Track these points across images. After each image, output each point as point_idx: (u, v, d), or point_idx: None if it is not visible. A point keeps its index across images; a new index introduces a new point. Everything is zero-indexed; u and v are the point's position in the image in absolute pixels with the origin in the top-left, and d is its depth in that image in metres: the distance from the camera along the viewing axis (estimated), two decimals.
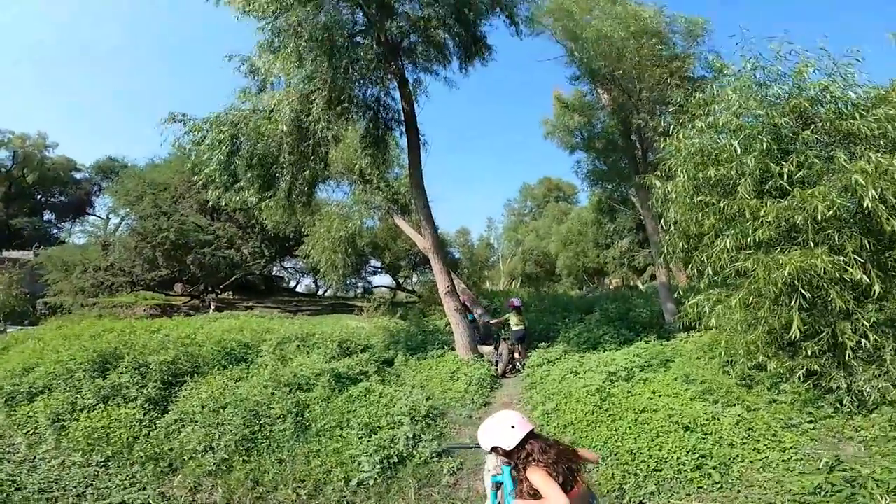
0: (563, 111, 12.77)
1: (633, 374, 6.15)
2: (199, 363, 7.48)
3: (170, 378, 6.71)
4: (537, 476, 2.41)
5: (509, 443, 2.55)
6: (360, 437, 5.17)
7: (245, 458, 5.04)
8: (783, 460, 4.07)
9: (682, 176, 5.51)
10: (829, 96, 4.93)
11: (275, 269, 29.66)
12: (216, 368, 7.33)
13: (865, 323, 4.25)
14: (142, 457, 5.06)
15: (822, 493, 3.20)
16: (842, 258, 4.22)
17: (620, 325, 9.55)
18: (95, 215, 34.29)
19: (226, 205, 9.53)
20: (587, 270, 26.54)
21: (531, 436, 2.60)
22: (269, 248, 22.51)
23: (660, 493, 3.97)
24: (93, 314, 16.63)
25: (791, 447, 4.19)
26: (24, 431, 5.70)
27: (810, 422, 4.50)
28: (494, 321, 9.82)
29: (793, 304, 4.39)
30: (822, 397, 4.71)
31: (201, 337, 9.08)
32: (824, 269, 4.15)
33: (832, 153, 4.68)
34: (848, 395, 4.51)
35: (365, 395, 6.35)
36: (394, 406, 5.91)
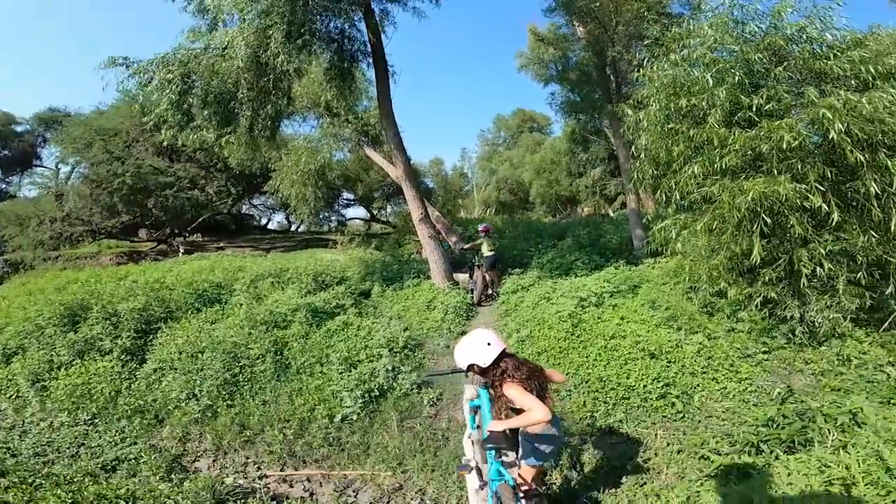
0: (538, 44, 12.52)
1: (602, 300, 6.40)
2: (172, 308, 7.38)
3: (143, 326, 6.65)
4: (514, 390, 2.58)
5: (485, 359, 2.70)
6: (341, 373, 5.30)
7: (229, 402, 5.15)
8: (739, 391, 4.32)
9: (654, 105, 5.56)
10: (805, 36, 4.94)
11: (244, 207, 28.98)
12: (189, 312, 7.26)
13: (822, 251, 4.41)
14: (127, 410, 5.15)
15: (775, 426, 3.36)
16: (804, 186, 4.33)
17: (591, 251, 9.77)
18: (43, 166, 32.10)
19: (183, 145, 9.07)
20: (560, 199, 27.01)
21: (504, 354, 2.78)
22: (235, 187, 21.93)
23: (628, 421, 4.23)
24: (57, 267, 16.13)
25: (747, 378, 4.45)
26: (8, 396, 5.68)
27: (765, 352, 4.77)
28: (467, 246, 9.90)
29: (754, 229, 4.52)
30: (776, 327, 4.96)
31: (171, 280, 8.88)
32: (786, 195, 4.24)
33: (802, 90, 4.72)
34: (801, 326, 4.76)
35: (343, 329, 6.44)
36: (372, 339, 6.03)
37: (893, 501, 1.82)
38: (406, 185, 9.09)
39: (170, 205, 19.02)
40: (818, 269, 4.41)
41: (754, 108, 4.71)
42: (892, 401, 3.62)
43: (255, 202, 29.00)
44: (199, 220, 21.57)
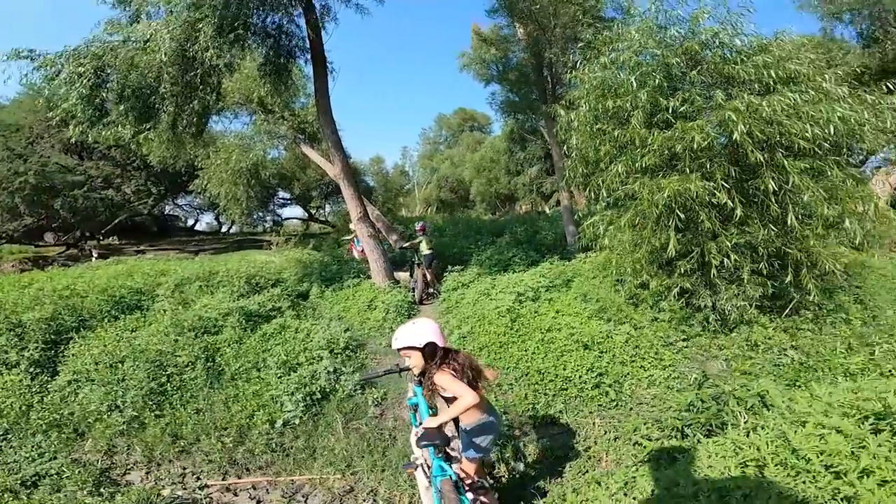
0: (481, 45, 12.81)
1: (539, 294, 6.65)
2: (85, 316, 6.78)
3: (52, 336, 6.06)
4: (445, 378, 2.62)
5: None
6: (280, 377, 5.13)
7: (157, 412, 4.84)
8: (664, 378, 4.53)
9: (584, 106, 5.83)
10: (717, 41, 5.28)
11: (168, 207, 27.34)
12: (106, 320, 6.71)
13: (728, 244, 4.78)
14: (42, 425, 4.70)
15: (695, 410, 3.53)
16: (711, 184, 4.67)
17: (528, 248, 10.13)
18: None
19: (96, 142, 8.22)
20: (499, 196, 27.64)
21: (446, 349, 2.80)
22: (157, 186, 20.68)
23: (567, 411, 4.39)
24: None
25: (670, 365, 4.69)
26: None
27: (684, 340, 5.04)
28: (407, 244, 9.91)
29: (670, 224, 4.84)
30: (692, 316, 5.31)
31: (83, 287, 8.10)
32: (697, 192, 4.55)
33: (712, 93, 5.09)
34: (713, 314, 5.14)
35: (280, 332, 6.22)
36: (311, 341, 5.88)
37: (803, 481, 1.92)
38: (344, 184, 8.89)
39: (80, 206, 17.61)
40: (725, 260, 4.79)
41: (671, 110, 5.04)
42: (797, 382, 3.97)
43: (181, 202, 27.55)
44: (115, 221, 20.07)
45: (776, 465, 2.08)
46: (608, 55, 5.73)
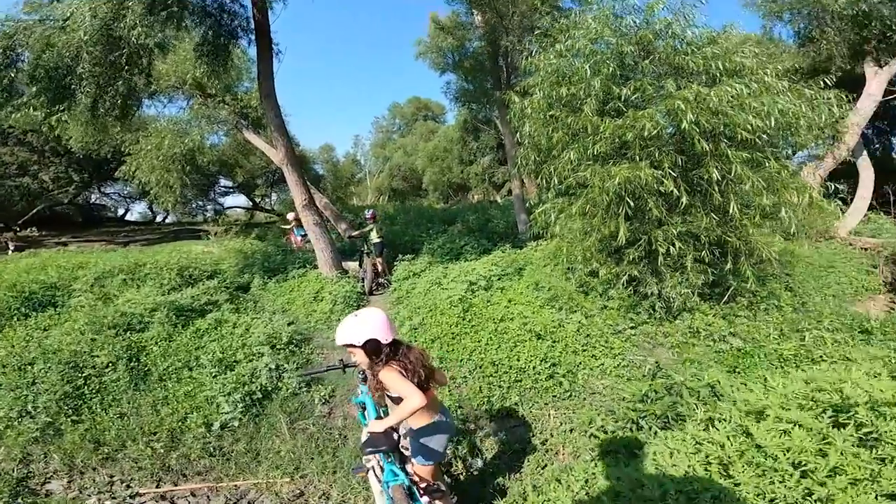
0: (438, 32, 12.55)
1: (491, 283, 6.56)
2: None
3: None
4: (391, 376, 2.36)
5: (387, 336, 2.44)
6: (215, 376, 4.73)
7: (74, 417, 4.33)
8: (615, 366, 4.54)
9: (538, 94, 5.75)
10: (670, 32, 5.34)
11: (94, 196, 25.20)
12: (14, 319, 5.97)
13: (674, 232, 4.88)
14: None
15: (648, 401, 3.48)
16: (660, 172, 4.73)
17: (480, 236, 10.06)
18: None
19: (11, 126, 7.30)
20: (452, 186, 27.52)
21: (394, 343, 2.53)
22: (79, 173, 19.12)
23: (522, 403, 4.31)
24: None
25: (619, 353, 4.70)
26: None
27: (632, 327, 5.07)
28: (356, 233, 9.56)
29: (620, 212, 4.86)
30: (639, 303, 5.39)
31: None
32: (647, 180, 4.60)
33: (663, 83, 5.16)
34: (659, 301, 5.24)
35: (216, 328, 5.75)
36: (251, 336, 5.47)
37: (771, 481, 1.85)
38: (288, 170, 8.43)
39: None
40: (671, 248, 4.88)
41: (623, 99, 5.06)
42: (737, 369, 4.07)
43: (109, 191, 25.43)
44: (34, 211, 18.47)
45: (743, 464, 2.00)
46: (564, 42, 5.67)
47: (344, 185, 29.20)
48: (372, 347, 2.45)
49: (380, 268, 8.68)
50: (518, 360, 4.74)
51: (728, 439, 2.20)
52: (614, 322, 5.23)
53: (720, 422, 2.46)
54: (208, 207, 22.45)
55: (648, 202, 4.85)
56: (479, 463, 3.71)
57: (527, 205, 10.10)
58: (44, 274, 7.69)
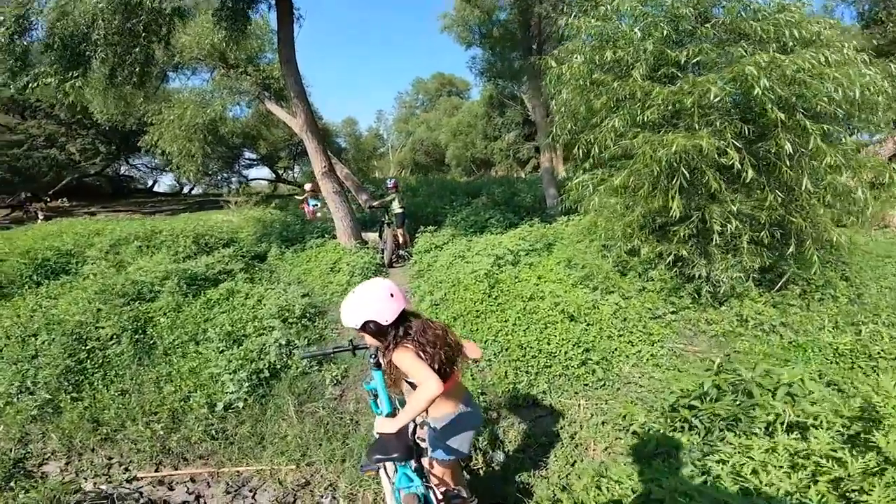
0: (464, 5, 12.07)
1: (519, 258, 6.12)
2: (2, 282, 5.88)
3: None
4: (407, 358, 1.96)
5: (387, 315, 2.01)
6: (222, 351, 4.42)
7: (74, 394, 4.12)
8: (652, 354, 4.17)
9: (578, 59, 5.31)
10: None
11: (123, 168, 26.03)
12: (26, 287, 5.82)
13: (733, 208, 4.39)
14: None
15: (708, 399, 2.94)
16: (723, 142, 4.25)
17: (506, 209, 9.58)
18: None
19: (38, 100, 7.76)
20: (475, 161, 27.36)
21: (406, 313, 2.12)
22: (106, 145, 19.87)
23: (551, 392, 3.96)
24: None
25: (658, 340, 4.32)
26: None
27: (672, 312, 4.68)
28: (376, 203, 9.19)
29: (673, 184, 4.39)
30: (682, 287, 4.95)
31: (2, 250, 7.03)
32: (707, 150, 4.13)
33: (726, 48, 4.69)
34: (707, 285, 4.78)
35: (227, 299, 5.46)
36: (263, 308, 5.15)
37: None
38: (308, 137, 8.15)
39: (20, 165, 16.92)
40: (728, 226, 4.38)
41: (679, 64, 4.59)
42: (788, 363, 3.61)
43: (137, 163, 26.25)
44: (63, 182, 19.22)
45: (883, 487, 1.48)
46: (610, 3, 5.16)
47: (366, 158, 29.40)
48: (373, 330, 2.06)
49: (401, 239, 8.31)
50: (548, 344, 4.35)
51: (849, 454, 1.69)
52: (654, 305, 4.82)
53: (817, 429, 1.97)
54: (233, 180, 22.75)
55: (706, 174, 4.33)
56: (501, 457, 3.36)
57: (557, 179, 9.58)
58: (59, 241, 7.54)
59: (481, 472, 3.28)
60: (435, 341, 2.04)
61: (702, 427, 2.92)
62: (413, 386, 2.11)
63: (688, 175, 4.32)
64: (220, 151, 18.79)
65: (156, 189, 29.69)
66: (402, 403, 3.04)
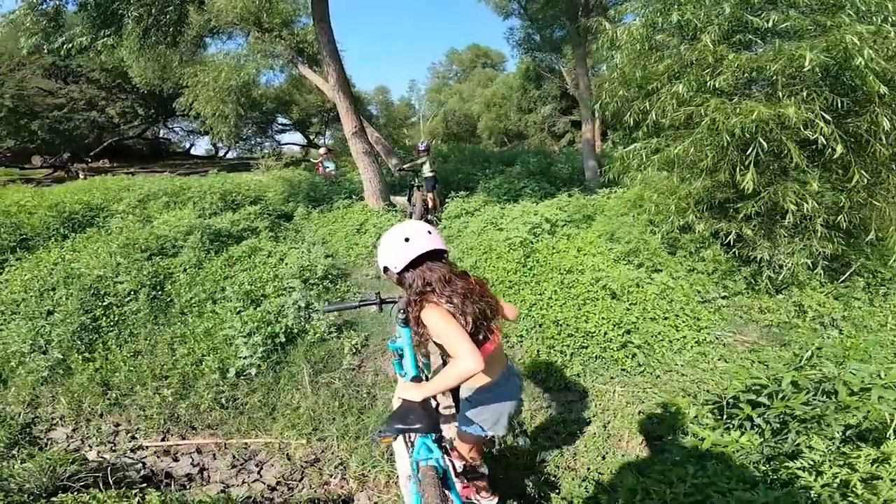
0: None
1: (556, 228, 5.70)
2: (28, 235, 5.82)
3: None
4: (434, 317, 1.64)
5: (396, 261, 1.73)
6: (238, 311, 4.20)
7: (87, 354, 3.98)
8: (697, 341, 3.83)
9: (637, 20, 4.93)
10: None
11: (162, 131, 27.00)
12: (53, 239, 5.76)
13: (814, 187, 3.87)
14: None
15: (781, 396, 2.49)
16: (810, 114, 3.74)
17: (541, 179, 9.04)
18: None
19: (80, 65, 8.26)
20: (507, 133, 26.72)
21: (434, 256, 1.76)
22: (144, 108, 20.73)
23: (585, 375, 3.62)
24: None
25: (706, 326, 3.95)
26: None
27: (723, 297, 4.30)
28: (407, 166, 8.84)
29: (748, 155, 3.92)
30: (737, 270, 4.54)
31: (34, 202, 6.98)
32: (793, 121, 3.64)
33: (815, 18, 4.14)
34: (769, 269, 4.35)
35: (249, 256, 5.26)
36: (284, 267, 4.94)
37: None
38: (339, 97, 7.83)
39: (61, 128, 17.89)
40: (804, 205, 3.89)
41: (759, 30, 4.14)
42: (845, 361, 3.19)
43: (175, 126, 27.13)
44: (104, 144, 20.27)
45: None
46: None
47: (397, 126, 29.26)
48: (394, 278, 1.79)
49: (430, 203, 7.96)
50: (586, 322, 3.98)
51: None
52: (703, 288, 4.37)
53: None
54: (266, 144, 23.06)
55: (785, 147, 3.85)
56: (527, 442, 3.07)
57: (604, 147, 9.01)
58: (89, 195, 7.49)
59: (507, 456, 3.01)
60: (465, 293, 1.71)
61: (767, 427, 2.52)
62: (441, 349, 1.79)
63: (765, 146, 3.85)
64: (254, 116, 19.15)
65: (192, 152, 30.45)
66: (428, 367, 2.79)
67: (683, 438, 2.86)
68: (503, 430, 2.02)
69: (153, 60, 8.55)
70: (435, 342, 1.79)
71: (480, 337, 1.71)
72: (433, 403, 1.96)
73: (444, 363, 2.44)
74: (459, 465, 2.06)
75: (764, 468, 2.28)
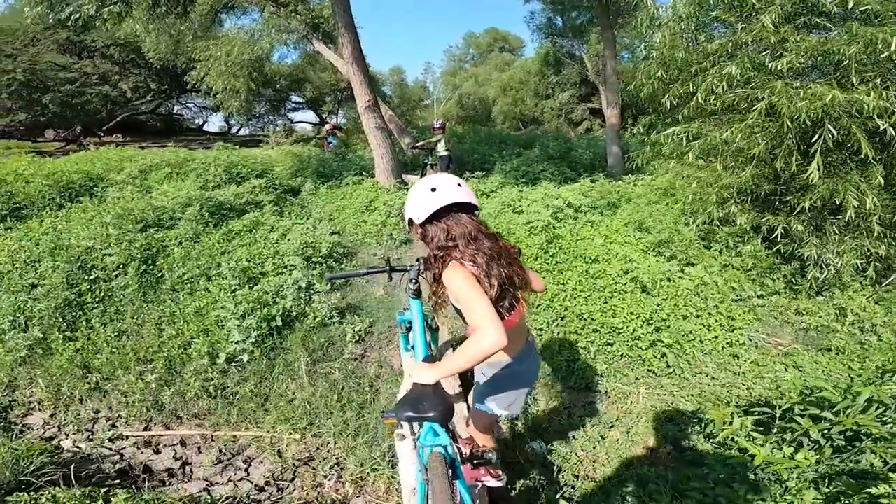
0: None
1: (579, 214, 5.31)
2: (22, 204, 5.53)
3: None
4: (457, 279, 1.47)
5: (420, 212, 1.58)
6: (233, 290, 3.86)
7: (68, 333, 3.69)
8: (729, 343, 3.56)
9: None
10: None
11: (175, 107, 26.97)
12: (47, 209, 5.46)
13: (881, 180, 3.54)
14: None
15: (848, 412, 2.14)
16: (887, 102, 3.40)
17: (561, 164, 8.58)
18: None
19: (93, 41, 7.52)
20: (523, 118, 26.15)
21: (463, 210, 1.60)
22: (157, 84, 20.88)
23: (609, 375, 3.29)
24: None
25: (739, 327, 3.68)
26: None
27: (760, 296, 4.03)
28: (420, 143, 8.49)
29: (815, 142, 3.57)
30: (777, 267, 4.23)
31: (31, 171, 6.66)
32: (874, 107, 3.32)
33: None
34: (815, 268, 4.03)
35: (250, 231, 4.93)
36: (286, 243, 4.61)
37: None
38: (353, 70, 7.43)
39: (73, 102, 17.86)
40: (866, 200, 3.54)
41: (828, 14, 3.89)
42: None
43: (188, 102, 27.07)
44: (116, 119, 20.27)
45: None
46: None
47: (411, 108, 28.84)
48: (417, 231, 1.66)
49: None
50: (613, 317, 3.64)
51: None
52: (739, 286, 4.08)
53: None
54: (279, 122, 23.23)
55: (853, 137, 3.50)
56: (543, 448, 2.76)
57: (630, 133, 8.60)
58: (89, 165, 7.18)
59: (520, 461, 2.69)
60: (493, 254, 1.54)
61: (827, 445, 2.20)
62: (460, 314, 1.62)
63: (834, 134, 3.52)
64: (267, 94, 19.27)
65: (206, 128, 30.23)
66: (435, 341, 2.63)
67: (722, 451, 2.55)
68: (518, 410, 1.90)
69: (165, 34, 8.34)
70: (455, 306, 1.63)
71: (506, 305, 1.58)
72: (452, 405, 1.67)
73: (455, 345, 2.17)
74: (466, 450, 1.93)
75: (827, 490, 2.00)
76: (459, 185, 1.61)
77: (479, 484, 2.09)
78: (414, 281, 2.01)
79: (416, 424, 1.88)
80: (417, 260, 2.01)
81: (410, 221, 1.66)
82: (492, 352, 1.37)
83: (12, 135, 18.37)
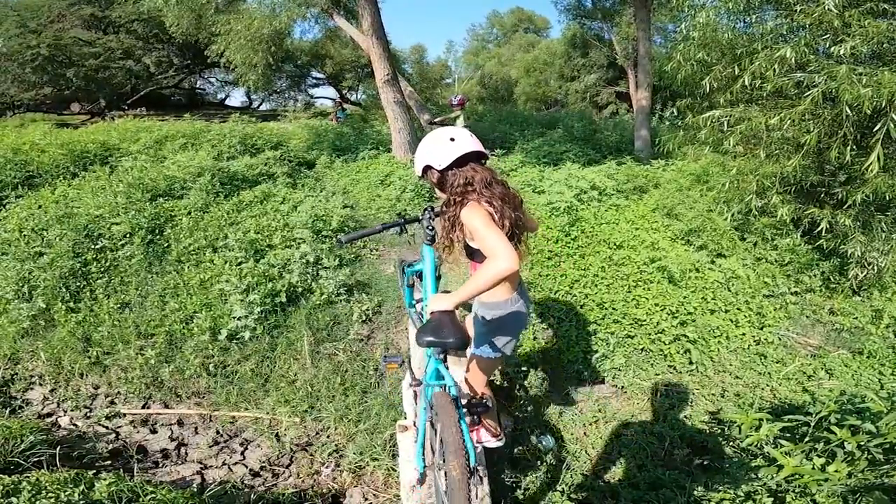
0: None
1: (604, 197, 5.03)
2: (35, 173, 5.49)
3: None
4: (477, 218, 1.62)
5: (441, 159, 1.73)
6: (239, 263, 3.72)
7: (72, 304, 3.59)
8: (756, 341, 3.38)
9: None
10: None
11: (198, 82, 27.49)
12: (61, 177, 5.40)
13: None
14: None
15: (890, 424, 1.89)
16: None
17: (585, 146, 8.22)
18: None
19: (119, 16, 7.02)
20: (546, 100, 25.81)
21: (476, 160, 1.77)
22: (180, 58, 21.34)
23: (627, 370, 3.09)
24: None
25: (770, 325, 3.48)
26: None
27: (794, 293, 3.83)
28: (438, 119, 8.25)
29: (878, 130, 3.27)
30: (815, 264, 4.00)
31: (47, 141, 6.57)
32: None
33: None
34: (857, 266, 3.78)
35: (261, 202, 4.79)
36: (297, 215, 4.47)
37: None
38: (373, 42, 7.30)
39: (98, 76, 18.28)
40: None
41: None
42: None
43: (210, 77, 27.37)
44: (140, 93, 20.82)
45: None
46: None
47: (432, 86, 28.53)
48: (434, 180, 1.81)
49: None
50: (637, 308, 3.42)
51: None
52: (773, 281, 3.86)
53: None
54: (299, 98, 23.70)
55: None
56: (552, 443, 2.60)
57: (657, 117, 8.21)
58: (105, 135, 7.13)
59: (528, 457, 2.55)
60: (504, 198, 1.73)
61: (862, 456, 1.96)
62: (473, 256, 1.85)
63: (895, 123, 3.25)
64: (288, 70, 19.78)
65: (228, 103, 30.46)
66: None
67: (744, 458, 2.39)
68: (510, 350, 2.01)
69: (187, 7, 8.27)
70: (469, 245, 1.80)
71: (513, 245, 1.66)
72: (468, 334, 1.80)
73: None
74: (464, 400, 1.94)
75: None
76: (472, 136, 1.78)
77: (479, 447, 2.10)
78: (430, 227, 2.11)
79: (417, 365, 2.16)
80: (426, 209, 2.12)
81: (425, 169, 1.78)
82: (506, 274, 1.50)
83: (39, 108, 19.24)
